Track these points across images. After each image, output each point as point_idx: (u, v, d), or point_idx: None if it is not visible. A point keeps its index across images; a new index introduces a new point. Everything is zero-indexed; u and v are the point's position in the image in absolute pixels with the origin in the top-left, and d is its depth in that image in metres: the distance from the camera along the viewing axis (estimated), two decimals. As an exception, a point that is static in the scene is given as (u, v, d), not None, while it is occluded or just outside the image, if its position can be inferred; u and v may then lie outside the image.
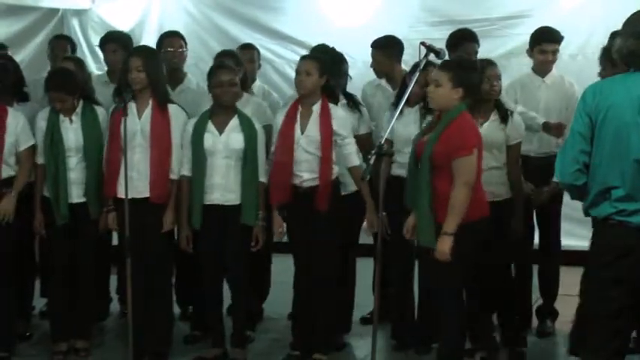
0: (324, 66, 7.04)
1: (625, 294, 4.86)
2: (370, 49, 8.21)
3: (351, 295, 7.69)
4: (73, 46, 9.61)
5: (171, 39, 8.70)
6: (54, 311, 7.51)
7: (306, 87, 6.99)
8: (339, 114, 7.07)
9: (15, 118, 7.32)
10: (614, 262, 4.85)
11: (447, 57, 6.56)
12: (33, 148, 7.35)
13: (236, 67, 7.63)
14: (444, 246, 6.03)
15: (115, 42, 8.65)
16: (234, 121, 7.12)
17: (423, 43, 6.12)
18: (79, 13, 11.33)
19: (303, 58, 7.35)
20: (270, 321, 7.90)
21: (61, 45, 9.15)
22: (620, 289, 4.85)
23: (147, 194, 7.16)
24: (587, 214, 4.99)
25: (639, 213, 4.78)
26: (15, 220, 7.17)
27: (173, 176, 7.24)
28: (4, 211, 7.09)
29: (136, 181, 6.93)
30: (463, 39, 8.14)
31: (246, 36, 10.22)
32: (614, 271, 4.84)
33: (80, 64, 8.31)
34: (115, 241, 7.83)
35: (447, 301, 6.24)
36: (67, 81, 7.30)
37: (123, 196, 6.70)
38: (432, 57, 6.23)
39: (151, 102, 7.22)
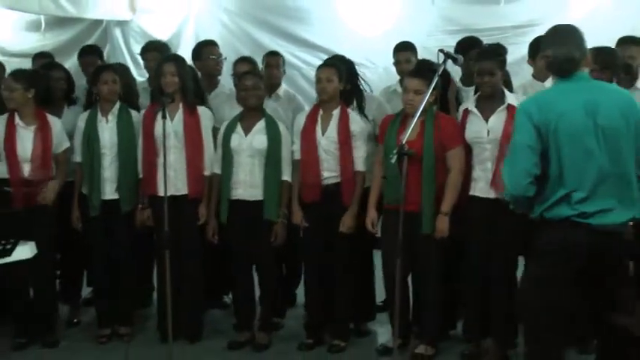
0: (342, 73, 7.10)
1: (576, 290, 4.98)
2: (391, 55, 8.27)
3: (370, 284, 7.66)
4: (101, 55, 9.56)
5: (212, 47, 8.79)
6: (98, 299, 7.61)
7: (328, 92, 7.03)
8: (357, 118, 7.12)
9: (55, 123, 7.41)
10: (571, 261, 4.90)
11: (461, 62, 6.57)
12: (69, 151, 7.45)
13: (258, 71, 7.84)
14: (444, 225, 6.35)
15: (155, 51, 8.62)
16: (261, 124, 7.18)
17: (441, 50, 6.07)
18: (121, 24, 11.41)
19: (322, 66, 7.37)
20: (301, 308, 7.79)
21: (90, 59, 8.99)
22: (572, 285, 4.94)
23: (184, 191, 7.25)
24: (541, 217, 4.98)
25: (599, 214, 4.84)
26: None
27: (206, 173, 7.32)
28: (46, 197, 7.18)
29: (173, 179, 6.97)
30: (471, 46, 8.10)
31: (275, 44, 10.24)
32: (569, 269, 4.90)
33: (125, 69, 8.46)
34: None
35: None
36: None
37: (161, 194, 6.71)
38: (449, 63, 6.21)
39: (181, 105, 7.28)
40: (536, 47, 7.69)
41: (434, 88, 5.98)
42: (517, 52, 8.53)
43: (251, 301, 7.47)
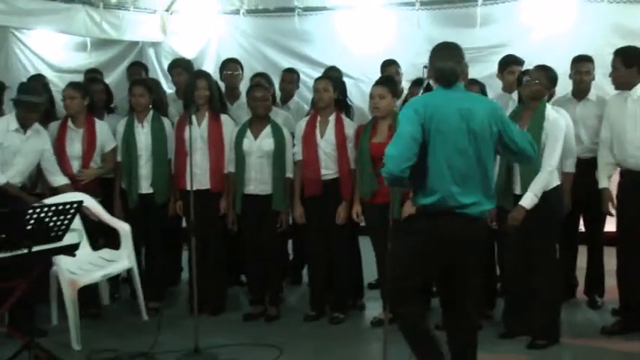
0: (336, 83, 7.22)
1: (441, 266, 5.03)
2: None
3: (359, 265, 7.61)
4: (146, 70, 9.74)
5: (230, 64, 8.80)
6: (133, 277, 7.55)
7: (324, 101, 7.08)
8: (351, 123, 7.16)
9: (101, 126, 7.48)
10: (452, 240, 4.93)
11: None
12: (116, 150, 7.52)
13: (267, 84, 7.86)
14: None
15: (180, 67, 8.68)
16: (268, 129, 7.22)
17: (425, 66, 6.01)
18: (155, 45, 11.40)
19: (319, 78, 7.45)
20: (306, 286, 7.89)
21: (136, 70, 9.25)
22: (447, 257, 4.99)
23: (207, 186, 7.30)
24: (424, 207, 4.98)
25: (474, 205, 4.88)
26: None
27: (225, 171, 7.36)
28: (85, 174, 7.30)
29: (198, 176, 6.98)
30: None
31: (285, 61, 10.23)
32: (449, 246, 4.94)
33: (157, 83, 8.50)
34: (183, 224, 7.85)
35: None
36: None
37: (189, 188, 6.65)
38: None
39: (207, 114, 7.34)
40: (504, 64, 7.78)
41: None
42: (490, 68, 8.50)
43: (262, 280, 7.45)
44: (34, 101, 6.83)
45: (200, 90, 7.26)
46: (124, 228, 7.08)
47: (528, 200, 6.19)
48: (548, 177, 6.25)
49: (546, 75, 6.45)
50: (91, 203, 7.08)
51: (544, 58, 6.91)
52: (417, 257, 4.99)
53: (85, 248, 6.93)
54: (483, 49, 9.59)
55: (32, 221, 5.58)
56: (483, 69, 9.03)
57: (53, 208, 5.65)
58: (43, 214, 5.65)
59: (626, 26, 9.04)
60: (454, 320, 5.17)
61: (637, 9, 9.17)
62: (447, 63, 4.96)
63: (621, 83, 6.64)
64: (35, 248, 5.61)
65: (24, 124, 6.87)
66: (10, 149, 6.84)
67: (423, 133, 4.83)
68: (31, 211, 5.53)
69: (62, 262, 6.50)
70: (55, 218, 5.70)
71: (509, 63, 7.70)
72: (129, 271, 7.20)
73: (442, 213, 4.90)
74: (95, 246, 7.23)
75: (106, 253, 7.23)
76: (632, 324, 6.61)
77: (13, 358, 5.76)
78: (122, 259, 7.03)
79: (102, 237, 7.42)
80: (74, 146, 7.33)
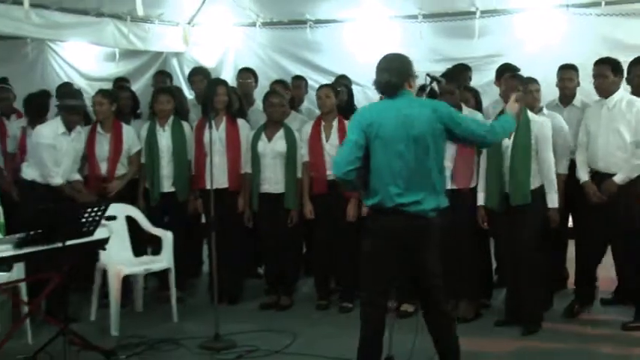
0: (340, 90, 7.39)
1: (395, 260, 4.98)
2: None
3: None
4: (171, 78, 9.87)
5: (244, 73, 8.90)
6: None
7: (327, 106, 7.21)
8: None
9: (127, 131, 7.52)
10: (392, 239, 4.93)
11: (443, 83, 6.42)
12: (140, 152, 7.55)
13: (285, 90, 7.97)
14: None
15: (200, 74, 8.75)
16: (281, 133, 7.27)
17: (428, 74, 5.98)
18: (177, 55, 11.38)
19: (321, 86, 7.59)
20: None
21: (161, 78, 9.33)
22: (391, 260, 4.97)
23: (226, 185, 7.34)
24: (371, 207, 5.04)
25: (414, 204, 4.87)
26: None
27: (242, 171, 7.39)
28: (110, 187, 7.31)
29: (217, 176, 6.97)
30: (463, 70, 8.28)
31: (296, 69, 10.22)
32: (392, 246, 4.93)
33: (179, 90, 8.65)
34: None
35: None
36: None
37: (208, 187, 6.70)
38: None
39: (225, 118, 7.38)
40: (500, 73, 7.74)
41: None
42: (489, 76, 8.51)
43: (277, 271, 7.48)
44: (75, 104, 6.98)
45: (219, 96, 7.30)
46: (166, 235, 7.07)
47: (555, 199, 6.42)
48: (553, 173, 6.41)
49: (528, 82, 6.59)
50: (135, 214, 7.19)
51: (537, 68, 6.98)
52: (372, 257, 5.03)
53: (127, 253, 7.14)
54: (481, 59, 9.57)
55: (67, 218, 5.64)
56: (482, 77, 9.04)
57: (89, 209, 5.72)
58: (77, 212, 5.71)
59: (613, 38, 8.97)
60: (428, 315, 5.15)
61: (623, 22, 9.11)
62: (382, 76, 4.97)
63: (606, 90, 6.66)
64: (68, 242, 5.61)
65: (69, 127, 6.97)
66: (60, 151, 6.94)
67: (366, 139, 4.88)
68: (65, 209, 5.59)
69: (108, 257, 6.61)
70: (86, 215, 5.73)
71: (505, 71, 7.58)
72: (165, 270, 7.11)
73: (384, 212, 4.94)
74: (139, 254, 7.32)
75: (146, 258, 7.33)
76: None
77: (50, 343, 5.78)
78: (161, 261, 7.06)
79: (146, 245, 7.53)
80: (102, 149, 7.39)
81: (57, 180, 6.90)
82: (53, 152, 6.87)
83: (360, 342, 5.01)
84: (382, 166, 4.89)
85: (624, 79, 6.90)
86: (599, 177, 6.62)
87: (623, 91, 6.66)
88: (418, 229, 4.91)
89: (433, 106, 4.98)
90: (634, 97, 6.63)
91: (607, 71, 6.61)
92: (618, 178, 6.50)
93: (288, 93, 8.20)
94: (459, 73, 7.98)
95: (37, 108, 7.35)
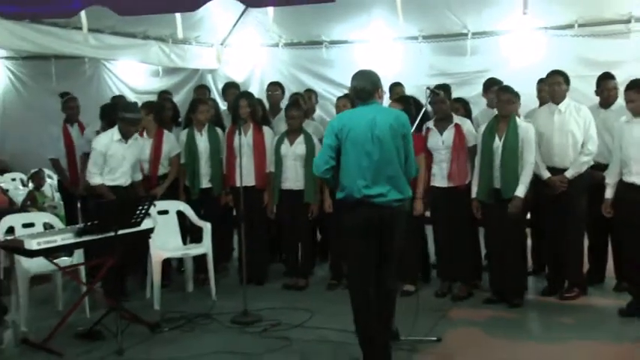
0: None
1: (371, 244, 5.01)
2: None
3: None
4: (210, 91, 9.93)
5: (272, 86, 8.87)
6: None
7: None
8: None
9: (167, 136, 7.57)
10: (365, 227, 4.97)
11: (442, 95, 6.62)
12: (180, 155, 7.58)
13: (304, 103, 7.99)
14: (420, 204, 6.71)
15: (232, 88, 8.84)
16: (301, 138, 7.29)
17: (428, 87, 6.14)
18: (212, 71, 11.48)
19: (340, 97, 7.57)
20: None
21: (202, 91, 9.32)
22: (368, 244, 5.00)
23: (253, 183, 7.36)
24: (343, 199, 5.08)
25: (378, 196, 4.93)
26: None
27: (267, 171, 7.42)
28: (154, 193, 7.26)
29: (245, 175, 6.94)
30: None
31: (313, 83, 10.31)
32: (365, 233, 4.98)
33: (215, 102, 8.72)
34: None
35: None
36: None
37: (238, 185, 6.76)
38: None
39: (251, 125, 7.43)
40: (487, 86, 7.77)
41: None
42: (477, 90, 8.51)
43: (296, 257, 7.52)
44: (134, 117, 6.84)
45: (242, 107, 7.34)
46: (206, 226, 7.10)
47: (522, 190, 6.33)
48: (531, 171, 6.37)
49: (514, 94, 6.55)
50: (184, 208, 7.26)
51: (519, 83, 6.96)
52: (348, 243, 5.09)
53: (177, 240, 7.25)
54: (472, 74, 9.61)
55: (119, 211, 5.78)
56: (472, 89, 9.07)
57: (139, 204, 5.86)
58: (129, 207, 5.85)
59: (585, 56, 9.05)
60: (377, 289, 5.13)
61: (594, 42, 9.15)
62: (359, 83, 5.06)
63: (559, 97, 6.69)
64: (120, 232, 5.74)
65: (126, 136, 6.84)
66: (115, 157, 6.83)
67: (338, 142, 4.98)
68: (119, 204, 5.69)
69: (153, 243, 6.67)
70: (135, 209, 5.86)
71: (491, 84, 7.65)
72: (204, 255, 7.11)
73: (354, 203, 5.00)
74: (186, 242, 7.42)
75: (190, 245, 7.37)
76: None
77: (104, 317, 5.88)
78: (201, 247, 7.08)
79: (187, 234, 7.54)
80: (146, 152, 7.41)
81: (95, 180, 6.81)
82: (100, 157, 6.80)
83: (354, 314, 5.07)
84: (351, 164, 4.96)
85: (594, 91, 6.97)
86: (556, 172, 6.64)
87: (569, 98, 6.68)
88: (385, 218, 4.96)
89: (396, 115, 5.06)
90: (579, 104, 6.67)
91: (560, 80, 6.67)
92: (569, 174, 6.55)
93: (306, 104, 8.26)
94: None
95: (109, 116, 7.41)
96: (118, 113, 6.88)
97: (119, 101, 8.25)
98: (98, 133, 7.34)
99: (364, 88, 5.03)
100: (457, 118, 6.82)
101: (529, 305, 6.62)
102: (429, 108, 6.78)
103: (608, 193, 6.33)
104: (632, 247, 6.21)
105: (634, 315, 6.12)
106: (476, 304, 6.66)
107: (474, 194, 6.61)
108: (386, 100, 7.33)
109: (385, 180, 4.94)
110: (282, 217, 7.45)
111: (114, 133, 6.85)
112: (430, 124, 6.82)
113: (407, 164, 5.06)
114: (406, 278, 6.80)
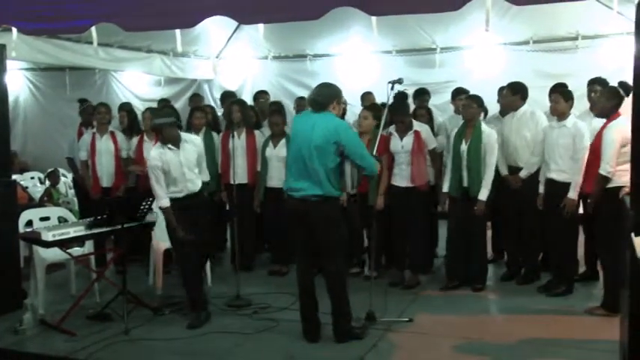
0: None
1: (304, 232, 5.18)
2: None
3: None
4: (203, 99, 9.94)
5: (260, 94, 8.91)
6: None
7: None
8: None
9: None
10: (292, 216, 5.21)
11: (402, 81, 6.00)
12: None
13: (282, 109, 7.86)
14: (381, 200, 6.66)
15: (228, 97, 8.75)
16: (283, 141, 7.22)
17: (389, 82, 5.62)
18: (208, 81, 11.51)
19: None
20: None
21: (196, 99, 9.38)
22: (300, 232, 5.20)
23: (245, 181, 7.33)
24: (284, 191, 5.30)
25: (298, 191, 5.08)
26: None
27: (258, 170, 7.38)
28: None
29: (239, 174, 6.98)
30: (423, 93, 8.27)
31: (299, 92, 10.20)
32: (294, 221, 5.20)
33: (212, 108, 8.68)
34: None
35: None
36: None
37: (232, 182, 6.76)
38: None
39: (244, 129, 7.37)
40: (454, 94, 7.78)
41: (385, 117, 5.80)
42: (445, 98, 8.56)
43: (279, 246, 7.49)
44: (169, 121, 5.76)
45: (234, 113, 7.24)
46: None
47: (484, 194, 6.36)
48: (492, 173, 6.39)
49: (477, 101, 6.56)
50: None
51: (482, 92, 6.97)
52: (289, 229, 5.43)
53: None
54: (440, 84, 9.63)
55: (125, 208, 5.79)
56: (441, 98, 9.11)
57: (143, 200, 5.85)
58: (133, 203, 5.86)
59: (540, 69, 9.11)
60: (322, 272, 5.34)
61: (547, 56, 9.24)
62: (313, 94, 5.14)
63: (507, 106, 6.82)
64: (126, 225, 5.76)
65: (172, 142, 5.74)
66: (174, 169, 5.71)
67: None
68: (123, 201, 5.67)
69: (157, 236, 6.59)
70: (139, 205, 5.87)
71: (458, 93, 7.67)
72: None
73: (287, 198, 5.20)
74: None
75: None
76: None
77: (112, 301, 5.92)
78: None
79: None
80: (149, 154, 7.28)
81: (163, 202, 6.57)
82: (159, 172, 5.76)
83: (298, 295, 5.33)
84: (290, 163, 5.19)
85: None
86: (515, 170, 6.72)
87: (528, 106, 6.72)
88: (305, 208, 5.08)
89: (336, 126, 5.01)
90: (537, 110, 6.73)
91: (507, 93, 6.77)
92: (523, 174, 6.62)
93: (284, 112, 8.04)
94: (417, 95, 8.19)
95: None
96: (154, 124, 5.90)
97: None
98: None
99: (315, 99, 5.09)
100: (417, 125, 6.80)
101: (491, 289, 6.69)
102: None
103: (541, 189, 6.42)
104: (552, 233, 6.33)
105: (550, 289, 6.36)
106: (436, 286, 6.72)
107: (445, 189, 6.62)
108: (360, 109, 7.40)
109: (306, 178, 5.04)
110: (266, 211, 7.40)
111: (158, 147, 5.75)
112: (392, 129, 6.77)
113: (359, 164, 5.12)
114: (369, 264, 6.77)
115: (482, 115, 6.77)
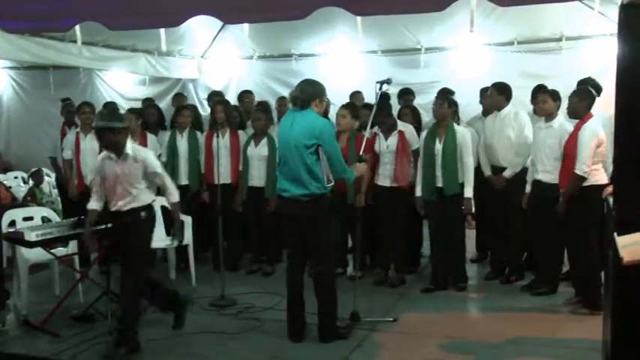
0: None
1: (293, 232, 5.19)
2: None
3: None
4: (186, 98, 9.90)
5: (245, 94, 8.91)
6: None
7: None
8: None
9: (151, 139, 7.55)
10: (285, 218, 5.22)
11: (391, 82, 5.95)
12: (160, 155, 7.37)
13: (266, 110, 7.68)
14: (362, 198, 6.63)
15: (215, 96, 8.71)
16: (264, 141, 7.23)
17: (377, 81, 5.61)
18: (193, 81, 11.43)
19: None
20: None
21: (179, 98, 9.37)
22: (290, 231, 5.23)
23: (229, 181, 7.32)
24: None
25: (287, 191, 5.10)
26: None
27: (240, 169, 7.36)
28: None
29: (222, 174, 6.94)
30: (407, 92, 8.33)
31: (284, 92, 10.03)
32: (285, 220, 5.24)
33: (195, 108, 8.63)
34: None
35: None
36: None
37: (215, 182, 6.73)
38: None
39: (228, 129, 7.36)
40: (440, 94, 7.75)
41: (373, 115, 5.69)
42: (429, 98, 8.44)
43: (260, 244, 7.47)
44: (109, 126, 5.03)
45: (217, 113, 7.24)
46: (187, 219, 6.91)
47: (469, 191, 6.37)
48: (472, 171, 6.40)
49: (449, 101, 6.59)
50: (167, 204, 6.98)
51: (466, 93, 7.02)
52: (281, 228, 5.44)
53: (161, 232, 6.84)
54: (425, 84, 9.63)
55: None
56: (425, 98, 9.07)
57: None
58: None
59: (524, 69, 9.12)
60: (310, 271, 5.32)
61: (531, 57, 9.27)
62: (296, 91, 5.13)
63: (491, 106, 6.84)
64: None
65: (112, 149, 5.16)
66: (109, 179, 5.23)
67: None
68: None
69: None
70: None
71: (443, 93, 7.67)
72: (186, 246, 7.04)
73: (278, 198, 5.28)
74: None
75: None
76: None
77: (96, 301, 5.90)
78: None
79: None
80: None
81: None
82: None
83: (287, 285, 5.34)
84: (279, 163, 5.21)
85: (530, 100, 7.06)
86: (499, 170, 6.75)
87: (512, 106, 6.75)
88: (295, 208, 5.08)
89: (321, 126, 4.99)
90: (521, 111, 6.77)
91: (494, 92, 6.78)
92: (507, 174, 6.67)
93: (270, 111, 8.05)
94: (403, 95, 8.24)
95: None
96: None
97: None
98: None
99: (297, 97, 5.07)
100: (401, 125, 6.80)
101: (475, 288, 6.72)
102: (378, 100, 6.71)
103: (527, 189, 6.45)
104: (537, 233, 6.37)
105: (534, 289, 6.41)
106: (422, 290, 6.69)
107: (418, 193, 6.59)
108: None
109: (292, 178, 5.05)
110: (248, 209, 7.37)
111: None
112: (377, 129, 6.75)
113: (331, 166, 5.04)
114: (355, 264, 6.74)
115: (453, 115, 6.76)
